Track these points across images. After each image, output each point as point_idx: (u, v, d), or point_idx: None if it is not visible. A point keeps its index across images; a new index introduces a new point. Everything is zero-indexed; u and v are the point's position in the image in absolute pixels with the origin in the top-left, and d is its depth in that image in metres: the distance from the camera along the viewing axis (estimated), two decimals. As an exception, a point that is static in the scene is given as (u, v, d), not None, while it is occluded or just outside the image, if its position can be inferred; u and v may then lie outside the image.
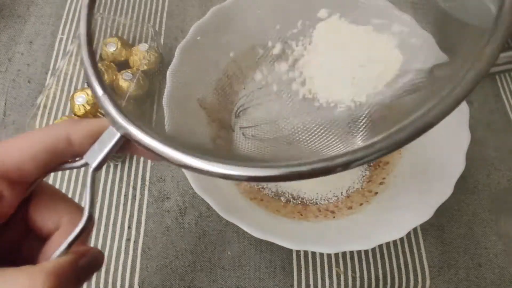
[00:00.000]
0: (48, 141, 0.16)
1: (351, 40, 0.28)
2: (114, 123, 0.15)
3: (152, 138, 0.14)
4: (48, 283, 0.13)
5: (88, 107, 0.34)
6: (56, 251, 0.15)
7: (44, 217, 0.17)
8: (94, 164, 0.16)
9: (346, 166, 0.12)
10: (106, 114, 0.15)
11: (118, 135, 0.15)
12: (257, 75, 0.38)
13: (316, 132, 0.26)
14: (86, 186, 0.16)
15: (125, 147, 0.16)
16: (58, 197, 0.18)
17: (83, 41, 0.17)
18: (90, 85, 0.16)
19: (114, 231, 0.34)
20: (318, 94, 0.29)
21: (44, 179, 0.18)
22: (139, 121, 0.15)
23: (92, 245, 0.33)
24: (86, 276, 0.16)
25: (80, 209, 0.17)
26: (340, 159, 0.12)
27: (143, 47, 0.38)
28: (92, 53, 0.17)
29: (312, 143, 0.25)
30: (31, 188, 0.17)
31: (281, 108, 0.31)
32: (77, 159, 0.17)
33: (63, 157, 0.16)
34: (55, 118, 0.37)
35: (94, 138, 0.16)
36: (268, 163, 0.13)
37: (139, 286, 0.32)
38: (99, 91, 0.16)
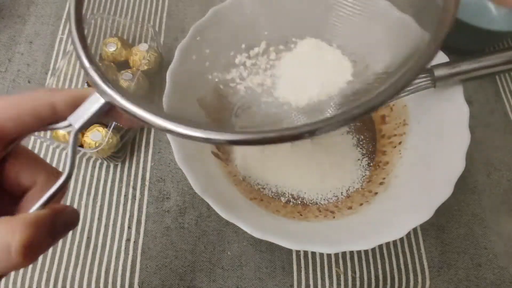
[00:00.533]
0: (31, 104, 0.16)
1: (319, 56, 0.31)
2: (100, 90, 0.16)
3: (134, 104, 0.15)
4: (27, 232, 0.14)
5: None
6: (34, 205, 0.16)
7: (20, 175, 0.17)
8: (77, 125, 0.16)
9: (312, 132, 0.15)
10: (93, 83, 0.16)
11: (102, 101, 0.16)
12: (256, 75, 0.38)
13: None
14: (68, 145, 0.16)
15: (109, 115, 0.17)
16: (34, 158, 0.18)
17: (72, 13, 0.18)
18: (78, 57, 0.17)
19: (114, 231, 0.34)
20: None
21: (23, 143, 0.18)
22: (123, 90, 0.16)
23: (92, 244, 0.33)
24: (62, 233, 0.16)
25: (55, 170, 0.18)
26: (304, 128, 0.15)
27: (143, 47, 0.38)
28: (80, 27, 0.17)
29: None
30: (10, 147, 0.17)
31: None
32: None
33: (46, 121, 0.17)
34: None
35: (76, 105, 0.17)
36: (243, 130, 0.15)
37: (139, 286, 0.32)
38: (86, 63, 0.17)
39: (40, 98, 0.17)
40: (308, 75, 0.30)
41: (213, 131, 0.15)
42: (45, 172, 0.18)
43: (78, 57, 0.17)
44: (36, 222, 0.14)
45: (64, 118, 0.17)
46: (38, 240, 0.14)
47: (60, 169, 0.36)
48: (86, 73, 0.17)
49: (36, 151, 0.37)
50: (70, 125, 0.17)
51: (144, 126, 0.17)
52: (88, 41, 0.39)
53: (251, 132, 0.15)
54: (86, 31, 0.18)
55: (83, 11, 0.18)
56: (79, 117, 0.16)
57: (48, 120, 0.17)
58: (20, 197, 0.17)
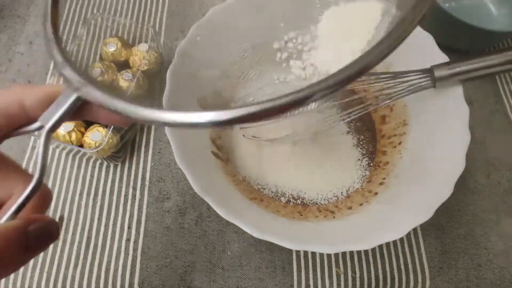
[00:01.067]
0: None
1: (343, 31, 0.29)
2: (70, 84, 0.15)
3: (107, 95, 0.14)
4: None
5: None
6: (3, 217, 0.14)
7: None
8: (48, 125, 0.15)
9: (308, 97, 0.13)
10: (64, 78, 0.15)
11: (74, 96, 0.15)
12: (256, 74, 0.38)
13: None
14: (38, 148, 0.15)
15: (83, 112, 0.16)
16: (11, 166, 0.17)
17: (49, 5, 0.17)
18: (49, 53, 0.16)
19: (114, 231, 0.34)
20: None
21: None
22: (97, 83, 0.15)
23: (92, 244, 0.33)
24: (37, 246, 0.15)
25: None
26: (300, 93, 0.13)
27: (143, 47, 0.38)
28: (55, 23, 0.16)
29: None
30: None
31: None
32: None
33: (16, 122, 0.16)
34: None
35: (48, 102, 0.15)
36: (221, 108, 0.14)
37: (139, 286, 0.32)
38: (58, 58, 0.16)
39: (8, 96, 0.15)
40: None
41: (201, 112, 0.13)
42: (22, 181, 0.16)
43: (49, 52, 0.16)
44: (3, 234, 0.13)
45: (32, 117, 0.16)
46: (7, 253, 0.13)
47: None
48: (56, 66, 0.15)
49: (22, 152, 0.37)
50: (41, 126, 0.15)
51: (124, 122, 0.16)
52: (88, 41, 0.39)
53: (240, 107, 0.13)
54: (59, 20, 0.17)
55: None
56: (49, 117, 0.15)
57: (18, 120, 0.16)
58: None
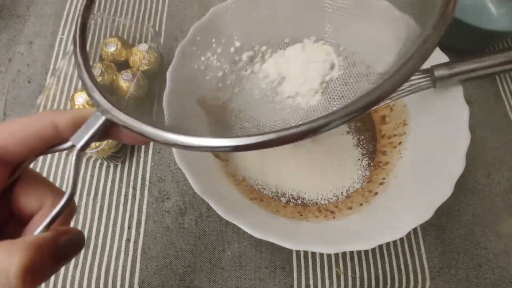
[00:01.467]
0: (35, 126, 0.17)
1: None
2: (100, 107, 0.17)
3: (133, 119, 0.16)
4: (27, 255, 0.13)
5: (88, 108, 0.34)
6: (37, 229, 0.15)
7: (27, 199, 0.17)
8: (79, 145, 0.17)
9: (314, 131, 0.14)
10: (94, 101, 0.17)
11: (103, 119, 0.17)
12: (256, 74, 0.38)
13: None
14: (70, 165, 0.17)
15: (110, 132, 0.18)
16: (42, 182, 0.18)
17: (77, 35, 0.19)
18: (80, 78, 0.18)
19: (114, 231, 0.34)
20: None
21: (31, 166, 0.18)
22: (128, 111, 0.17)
23: (92, 244, 0.33)
24: (67, 256, 0.16)
25: (62, 193, 0.17)
26: (304, 126, 0.14)
27: (143, 47, 0.38)
28: (84, 49, 0.19)
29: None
30: (18, 171, 0.17)
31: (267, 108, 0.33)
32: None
33: (50, 142, 0.17)
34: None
35: (79, 124, 0.17)
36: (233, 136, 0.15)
37: (139, 286, 0.32)
38: (89, 82, 0.18)
39: (43, 120, 0.17)
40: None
41: (225, 138, 0.15)
42: (52, 195, 0.17)
43: (81, 77, 0.18)
44: (37, 245, 0.14)
45: (67, 139, 0.17)
46: (40, 264, 0.14)
47: (58, 173, 0.36)
48: (87, 91, 0.17)
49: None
50: (73, 145, 0.17)
51: (147, 141, 0.17)
52: (88, 41, 0.39)
53: (247, 136, 0.15)
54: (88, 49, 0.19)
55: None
56: (81, 137, 0.17)
57: (51, 141, 0.17)
58: (26, 223, 0.17)
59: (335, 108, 0.15)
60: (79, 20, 0.19)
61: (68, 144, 0.17)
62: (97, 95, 0.17)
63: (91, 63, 0.39)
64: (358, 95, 0.15)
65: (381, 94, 0.14)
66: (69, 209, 0.16)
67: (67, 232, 0.16)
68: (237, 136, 0.15)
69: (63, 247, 0.15)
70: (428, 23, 0.16)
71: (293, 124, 0.15)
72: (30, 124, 0.17)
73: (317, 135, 0.14)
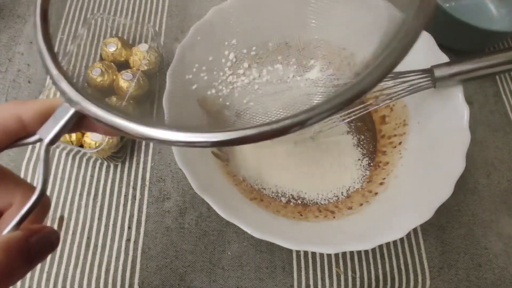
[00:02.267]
0: None
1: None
2: (69, 99, 0.15)
3: (106, 111, 0.14)
4: None
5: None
6: (6, 228, 0.14)
7: None
8: (47, 139, 0.15)
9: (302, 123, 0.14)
10: (61, 92, 0.15)
11: (72, 111, 0.15)
12: (256, 74, 0.38)
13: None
14: (39, 161, 0.15)
15: (83, 124, 0.16)
16: (11, 178, 0.17)
17: (38, 22, 0.17)
18: (44, 66, 0.16)
19: (114, 231, 0.34)
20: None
21: None
22: (98, 100, 0.15)
23: (92, 244, 0.33)
24: (39, 256, 0.15)
25: (33, 189, 0.16)
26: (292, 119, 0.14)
27: (143, 47, 0.38)
28: (47, 35, 0.17)
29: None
30: None
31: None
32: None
33: (14, 136, 0.16)
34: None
35: (46, 116, 0.16)
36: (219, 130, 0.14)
37: (139, 286, 0.32)
38: (54, 70, 0.16)
39: (5, 112, 0.16)
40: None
41: (192, 133, 0.14)
42: (22, 192, 0.16)
43: (44, 64, 0.16)
44: (6, 246, 0.13)
45: (34, 132, 0.16)
46: (8, 265, 0.13)
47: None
48: (53, 80, 0.16)
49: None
50: (40, 139, 0.16)
51: (120, 135, 0.16)
52: (89, 41, 0.39)
53: (238, 130, 0.14)
54: (51, 31, 0.17)
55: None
56: (48, 130, 0.15)
57: (16, 135, 0.16)
58: None
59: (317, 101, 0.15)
60: (39, 7, 0.17)
61: (35, 137, 0.16)
62: (65, 85, 0.15)
63: (91, 63, 0.39)
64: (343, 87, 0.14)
65: (360, 90, 0.14)
66: (42, 206, 0.16)
67: (39, 231, 0.15)
68: (215, 131, 0.14)
69: (35, 246, 0.14)
70: (410, 10, 0.16)
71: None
72: None
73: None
